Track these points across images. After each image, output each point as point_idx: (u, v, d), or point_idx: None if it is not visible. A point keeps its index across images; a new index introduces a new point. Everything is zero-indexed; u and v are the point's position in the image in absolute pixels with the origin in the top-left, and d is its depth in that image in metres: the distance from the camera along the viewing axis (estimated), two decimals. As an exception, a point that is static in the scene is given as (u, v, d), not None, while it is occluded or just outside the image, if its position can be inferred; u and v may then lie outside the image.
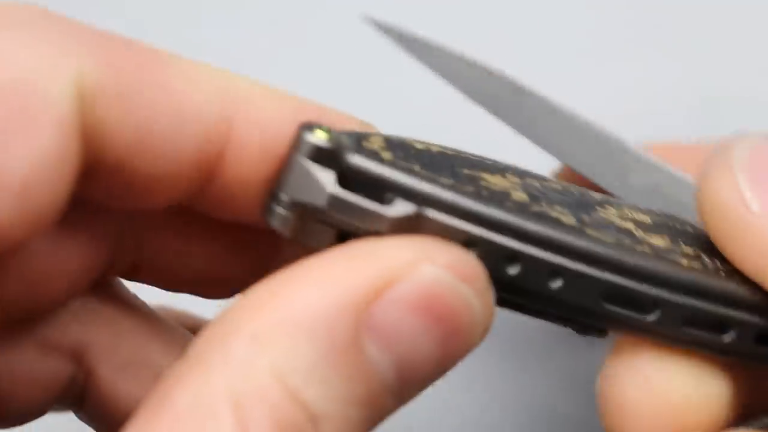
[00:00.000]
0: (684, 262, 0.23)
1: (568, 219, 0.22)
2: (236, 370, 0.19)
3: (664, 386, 0.23)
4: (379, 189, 0.21)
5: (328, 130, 0.21)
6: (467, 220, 0.21)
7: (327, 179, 0.21)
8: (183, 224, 0.26)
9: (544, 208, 0.22)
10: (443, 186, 0.21)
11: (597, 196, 0.25)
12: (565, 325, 0.24)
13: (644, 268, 0.22)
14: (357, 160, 0.21)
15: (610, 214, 0.24)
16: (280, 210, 0.22)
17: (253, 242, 0.26)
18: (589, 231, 0.22)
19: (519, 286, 0.22)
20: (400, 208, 0.21)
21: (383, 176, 0.21)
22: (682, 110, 0.43)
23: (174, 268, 0.26)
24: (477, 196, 0.22)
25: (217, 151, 0.22)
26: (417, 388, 0.21)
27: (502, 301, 0.22)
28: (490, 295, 0.21)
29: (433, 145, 0.23)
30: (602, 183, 0.29)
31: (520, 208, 0.22)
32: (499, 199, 0.22)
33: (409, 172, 0.21)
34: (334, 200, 0.21)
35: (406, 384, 0.21)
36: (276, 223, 0.22)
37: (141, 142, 0.21)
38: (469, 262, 0.21)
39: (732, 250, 0.23)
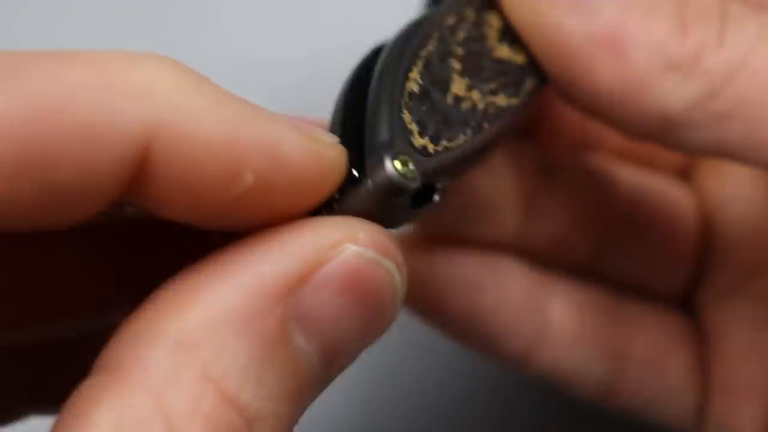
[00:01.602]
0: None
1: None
2: (163, 383, 0.18)
3: None
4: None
5: (405, 161, 0.21)
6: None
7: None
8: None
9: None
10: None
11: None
12: None
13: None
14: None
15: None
16: None
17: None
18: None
19: None
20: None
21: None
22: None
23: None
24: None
25: (133, 170, 0.19)
26: (339, 370, 0.20)
27: None
28: (406, 268, 0.21)
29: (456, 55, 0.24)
30: None
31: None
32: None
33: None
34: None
35: (331, 368, 0.20)
36: None
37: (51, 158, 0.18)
38: (388, 238, 0.20)
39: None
